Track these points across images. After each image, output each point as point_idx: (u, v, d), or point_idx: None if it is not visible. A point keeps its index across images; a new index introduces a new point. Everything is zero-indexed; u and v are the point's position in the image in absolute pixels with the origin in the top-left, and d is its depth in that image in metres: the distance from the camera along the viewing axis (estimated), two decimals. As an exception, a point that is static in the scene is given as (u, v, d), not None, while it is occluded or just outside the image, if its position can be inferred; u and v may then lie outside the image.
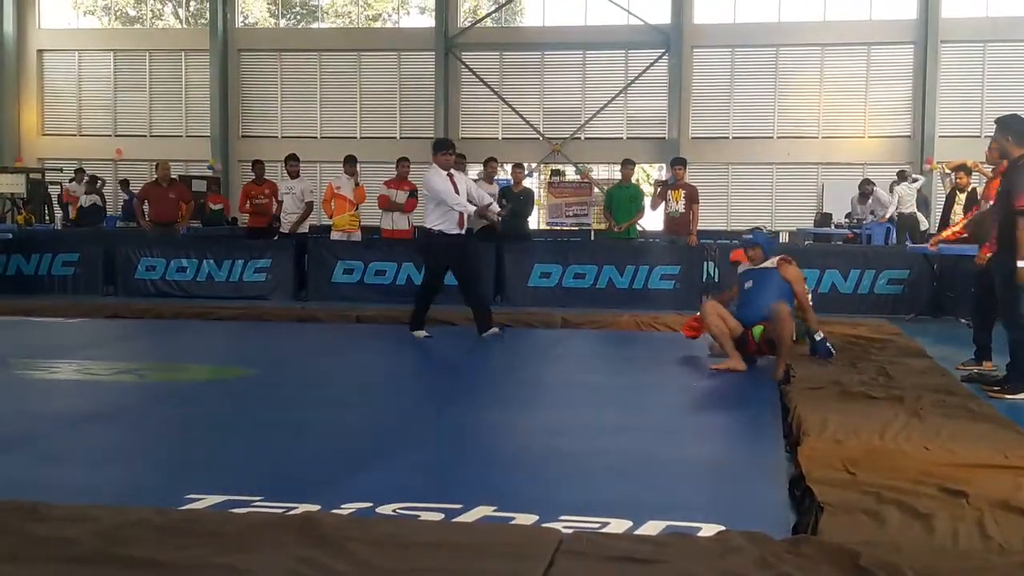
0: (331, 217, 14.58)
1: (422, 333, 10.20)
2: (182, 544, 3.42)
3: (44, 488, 4.42)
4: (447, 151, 10.01)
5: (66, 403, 6.90)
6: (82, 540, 3.43)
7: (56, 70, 32.43)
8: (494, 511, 4.17)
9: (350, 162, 14.45)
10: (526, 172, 29.31)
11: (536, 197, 28.61)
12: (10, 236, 15.51)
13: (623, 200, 14.07)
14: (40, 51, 32.25)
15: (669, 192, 13.73)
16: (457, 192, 9.94)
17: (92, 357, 8.88)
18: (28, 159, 30.72)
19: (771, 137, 29.07)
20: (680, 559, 3.44)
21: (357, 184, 14.37)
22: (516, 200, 14.57)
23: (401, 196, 14.21)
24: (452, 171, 10.10)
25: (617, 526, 4.00)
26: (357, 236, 14.54)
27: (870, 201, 19.48)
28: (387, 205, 14.23)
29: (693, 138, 29.30)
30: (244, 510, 4.09)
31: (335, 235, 14.48)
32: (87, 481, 4.83)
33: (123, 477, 4.98)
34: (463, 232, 10.19)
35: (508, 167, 30.27)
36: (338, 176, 14.49)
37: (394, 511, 4.18)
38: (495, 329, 10.11)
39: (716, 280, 13.19)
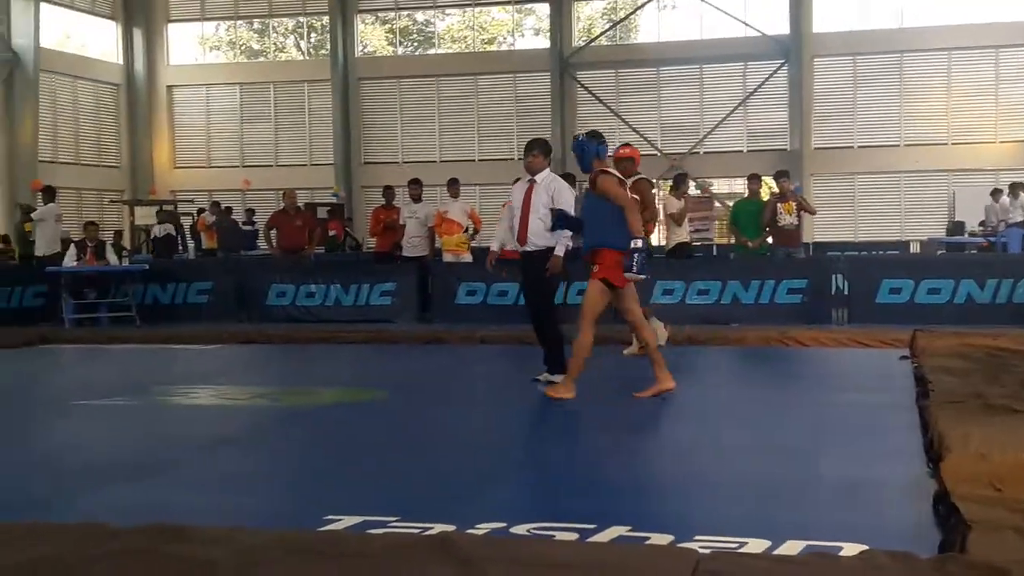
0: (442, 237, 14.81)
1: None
2: (321, 565, 3.47)
3: (187, 511, 4.54)
4: (536, 151, 8.60)
5: (205, 428, 7.10)
6: (224, 561, 3.49)
7: (185, 104, 33.59)
8: (628, 531, 4.13)
9: (454, 184, 14.65)
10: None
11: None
12: (147, 267, 16.04)
13: (751, 215, 13.83)
14: (170, 87, 33.45)
15: (779, 205, 13.49)
16: (527, 205, 8.52)
17: (228, 382, 9.13)
18: (161, 192, 31.84)
19: (897, 145, 28.36)
20: (824, 579, 3.35)
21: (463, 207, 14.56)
22: None
23: (519, 217, 14.24)
24: (535, 179, 8.60)
25: (755, 546, 3.92)
26: (467, 258, 14.67)
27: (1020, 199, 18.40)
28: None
29: (816, 148, 28.80)
30: (382, 531, 4.14)
31: (446, 257, 14.65)
32: (227, 503, 4.94)
33: (262, 499, 5.08)
34: (523, 249, 8.62)
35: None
36: (444, 201, 14.66)
37: (528, 531, 4.18)
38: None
39: (846, 292, 12.89)
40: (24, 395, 9.09)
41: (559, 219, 8.05)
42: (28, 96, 28.57)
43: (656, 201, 10.45)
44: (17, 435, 6.97)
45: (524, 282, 8.69)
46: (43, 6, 28.91)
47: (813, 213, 14.31)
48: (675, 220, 13.93)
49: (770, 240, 13.90)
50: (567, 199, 8.49)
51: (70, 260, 14.74)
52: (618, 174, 7.97)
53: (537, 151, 8.52)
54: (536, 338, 8.68)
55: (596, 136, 8.01)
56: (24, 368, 10.97)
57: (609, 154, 8.45)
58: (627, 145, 10.64)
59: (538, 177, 8.46)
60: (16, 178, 27.38)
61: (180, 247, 23.97)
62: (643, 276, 7.59)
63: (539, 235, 8.32)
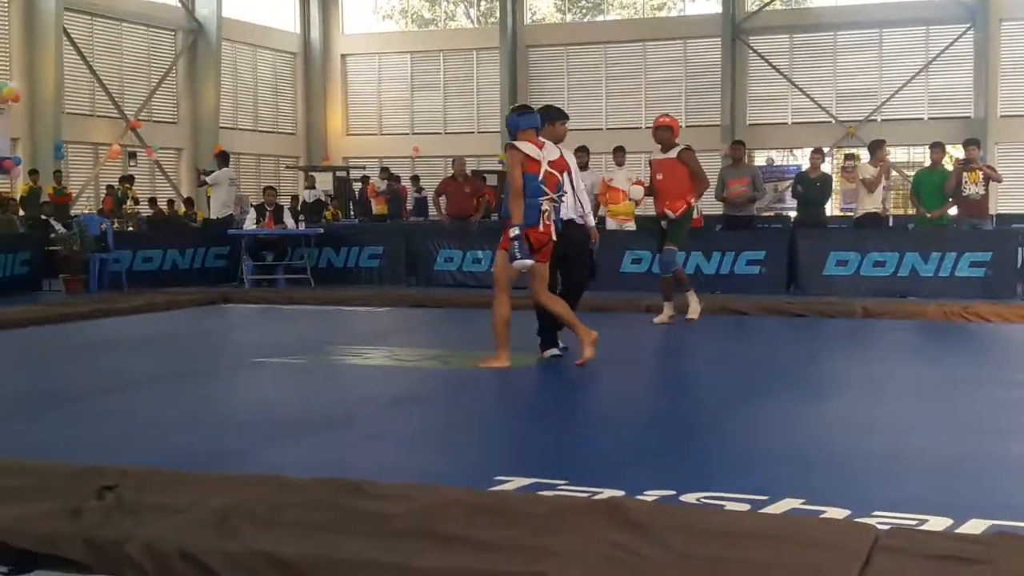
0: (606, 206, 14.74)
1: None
2: (495, 524, 3.52)
3: (364, 466, 4.68)
4: (559, 120, 7.97)
5: (378, 388, 7.29)
6: (401, 517, 3.58)
7: (358, 73, 34.38)
8: (802, 504, 4.05)
9: (619, 152, 14.58)
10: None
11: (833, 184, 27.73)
12: (321, 231, 16.54)
13: (933, 186, 13.29)
14: (344, 56, 34.27)
15: (965, 174, 12.92)
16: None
17: (400, 344, 9.34)
18: (334, 158, 32.73)
19: (1093, 112, 26.82)
20: (1010, 559, 3.21)
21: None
22: (812, 187, 14.12)
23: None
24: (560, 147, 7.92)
25: (936, 524, 3.79)
26: (631, 226, 14.59)
27: None
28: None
29: (1002, 116, 27.45)
30: (551, 493, 4.18)
31: (610, 224, 14.61)
32: (401, 461, 5.07)
33: (434, 458, 5.20)
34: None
35: (800, 152, 29.47)
36: (611, 168, 14.57)
37: (698, 500, 4.14)
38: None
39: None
40: (209, 352, 9.52)
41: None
42: (210, 65, 29.75)
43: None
44: (204, 390, 7.31)
45: (566, 254, 7.96)
46: (226, -23, 30.00)
47: (999, 181, 13.68)
48: (867, 187, 13.49)
49: (954, 211, 13.37)
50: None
51: (250, 223, 15.32)
52: (527, 150, 7.34)
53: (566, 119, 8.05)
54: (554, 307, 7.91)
55: (519, 108, 7.67)
56: (207, 326, 11.48)
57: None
58: (666, 114, 10.47)
59: (561, 146, 7.86)
60: (199, 144, 28.59)
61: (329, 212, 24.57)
62: (528, 262, 7.22)
63: (572, 205, 7.96)
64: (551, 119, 7.82)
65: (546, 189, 7.39)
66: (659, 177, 10.19)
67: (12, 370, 8.25)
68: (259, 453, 5.14)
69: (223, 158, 17.57)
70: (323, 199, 24.45)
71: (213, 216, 17.63)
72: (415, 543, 3.37)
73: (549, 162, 7.41)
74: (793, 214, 18.10)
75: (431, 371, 7.93)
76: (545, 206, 7.40)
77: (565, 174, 7.58)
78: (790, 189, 15.10)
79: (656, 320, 10.34)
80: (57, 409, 6.39)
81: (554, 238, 7.52)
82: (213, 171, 17.58)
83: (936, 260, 12.60)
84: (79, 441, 5.40)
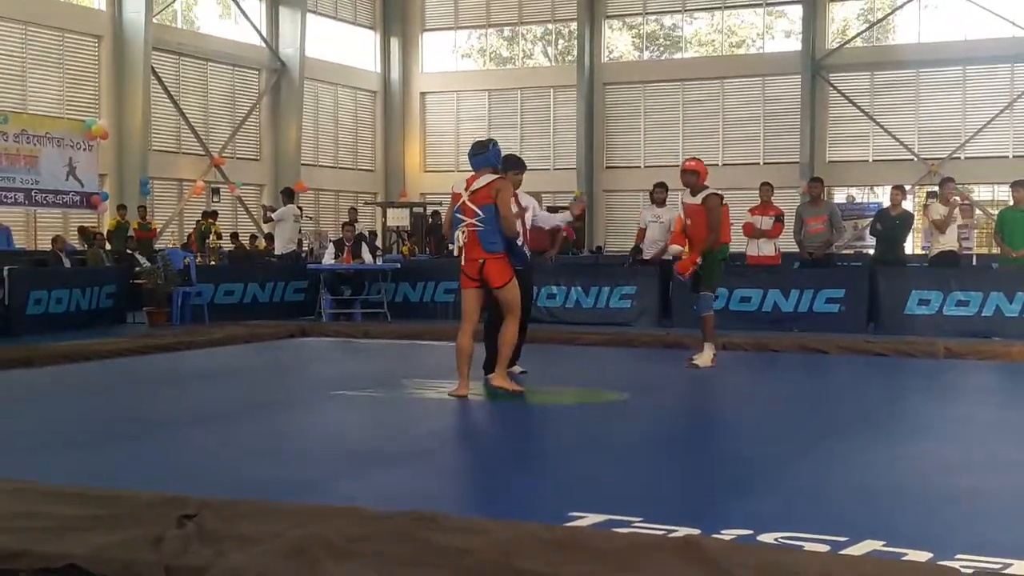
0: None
1: (516, 369, 9.05)
2: (571, 560, 3.51)
3: (439, 500, 4.70)
4: (516, 170, 8.86)
5: (454, 421, 7.33)
6: (477, 551, 3.58)
7: (437, 110, 34.78)
8: (883, 546, 3.98)
9: (660, 189, 14.51)
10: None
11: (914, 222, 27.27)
12: (398, 266, 16.70)
13: (1017, 224, 13.02)
14: (423, 93, 34.71)
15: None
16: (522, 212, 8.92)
17: (475, 378, 9.36)
18: (412, 194, 33.08)
19: None
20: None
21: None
22: (891, 224, 13.94)
23: (767, 222, 14.00)
24: (517, 192, 8.87)
25: (1021, 568, 3.70)
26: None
27: None
28: (752, 232, 14.08)
29: (1090, 153, 26.84)
30: (626, 530, 4.15)
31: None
32: (476, 494, 5.09)
33: (508, 492, 5.19)
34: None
35: (880, 189, 29.11)
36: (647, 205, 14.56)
37: (776, 540, 4.09)
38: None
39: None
40: (287, 384, 9.64)
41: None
42: (293, 102, 30.33)
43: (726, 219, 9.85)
44: (284, 421, 7.41)
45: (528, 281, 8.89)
46: (309, 17, 30.60)
47: None
48: (938, 227, 13.33)
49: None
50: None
51: (328, 258, 15.54)
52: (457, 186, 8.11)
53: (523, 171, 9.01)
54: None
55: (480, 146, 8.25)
56: (287, 358, 11.64)
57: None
58: (693, 159, 10.25)
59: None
60: (281, 180, 29.11)
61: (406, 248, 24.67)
62: None
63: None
64: (507, 168, 8.57)
65: (462, 217, 8.00)
66: (688, 223, 10.06)
67: (97, 400, 8.45)
68: (337, 485, 5.19)
69: (288, 195, 17.87)
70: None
71: (278, 252, 17.94)
72: (491, 578, 3.38)
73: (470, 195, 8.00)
74: (872, 251, 17.84)
75: (507, 406, 7.94)
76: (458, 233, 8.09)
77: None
78: (869, 227, 14.89)
79: (694, 360, 9.92)
80: (139, 439, 6.52)
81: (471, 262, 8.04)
82: (278, 208, 17.88)
83: (1022, 300, 12.32)
84: (161, 471, 5.51)
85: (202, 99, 28.91)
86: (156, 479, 5.01)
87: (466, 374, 8.02)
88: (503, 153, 8.32)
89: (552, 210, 19.80)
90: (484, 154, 8.10)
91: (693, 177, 9.90)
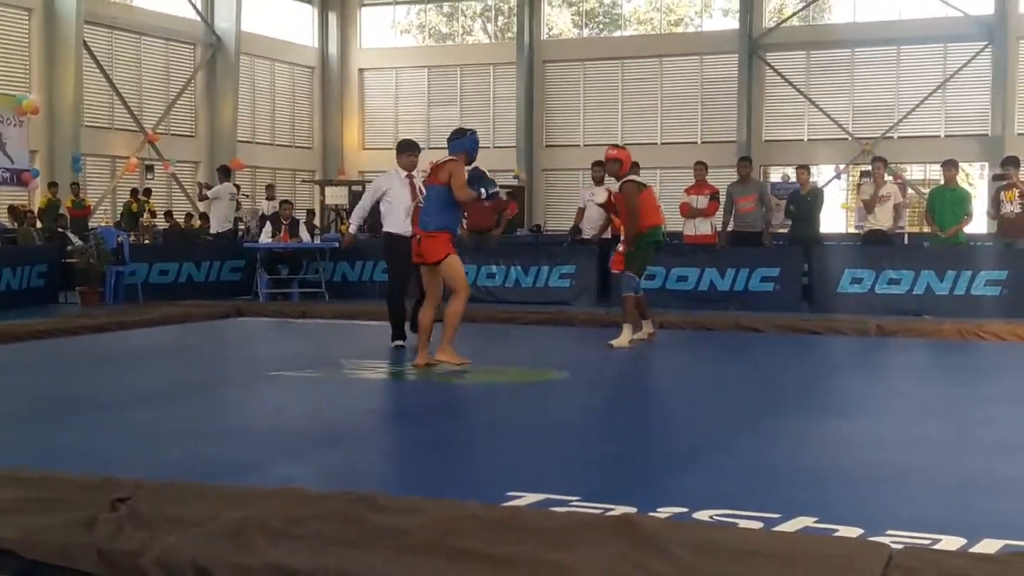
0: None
1: (401, 343, 9.75)
2: (509, 539, 3.53)
3: (377, 480, 4.70)
4: (408, 152, 9.74)
5: (392, 401, 7.33)
6: (416, 531, 3.59)
7: (375, 87, 34.51)
8: (815, 522, 4.05)
9: (635, 167, 14.52)
10: (836, 173, 28.31)
11: (846, 200, 27.61)
12: (336, 245, 16.59)
13: (947, 203, 13.26)
14: (361, 70, 34.42)
15: (1002, 192, 12.89)
16: (414, 194, 9.42)
17: (413, 358, 9.34)
18: (350, 172, 32.83)
19: (1110, 131, 26.73)
20: (1024, 580, 3.20)
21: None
22: (803, 203, 14.12)
23: (702, 201, 14.12)
24: (413, 174, 9.75)
25: (949, 543, 3.78)
26: None
27: None
28: (688, 212, 14.19)
29: (1020, 134, 27.38)
30: (564, 509, 4.18)
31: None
32: (415, 474, 5.09)
33: (446, 472, 5.20)
34: (409, 234, 9.14)
35: (815, 168, 29.48)
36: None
37: (710, 517, 4.14)
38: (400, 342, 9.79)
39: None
40: (223, 365, 9.56)
41: (478, 178, 8.64)
42: (229, 78, 29.91)
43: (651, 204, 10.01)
44: (218, 403, 7.34)
45: (405, 259, 9.09)
46: (245, -9, 30.17)
47: None
48: (866, 206, 13.54)
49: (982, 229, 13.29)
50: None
51: (265, 237, 15.38)
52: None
53: (419, 152, 9.88)
54: (403, 318, 9.84)
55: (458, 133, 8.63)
56: (222, 339, 11.53)
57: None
58: (615, 146, 10.40)
59: (415, 172, 9.84)
60: (217, 157, 28.73)
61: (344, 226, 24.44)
62: None
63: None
64: (400, 150, 9.76)
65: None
66: (618, 209, 10.20)
67: (27, 381, 8.30)
68: (273, 466, 5.16)
69: (224, 172, 17.68)
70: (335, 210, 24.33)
71: (213, 231, 17.72)
72: (430, 558, 3.38)
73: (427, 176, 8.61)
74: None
75: (445, 385, 7.95)
76: None
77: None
78: (784, 210, 14.94)
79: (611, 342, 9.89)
80: (71, 420, 6.43)
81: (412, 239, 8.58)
82: (214, 185, 17.65)
83: (951, 278, 12.57)
84: (93, 452, 5.44)
85: (136, 74, 28.41)
86: (89, 461, 4.94)
87: (424, 343, 8.41)
88: (464, 137, 8.51)
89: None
90: (460, 140, 8.44)
91: (615, 165, 10.00)
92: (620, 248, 10.11)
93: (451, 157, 8.28)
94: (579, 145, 31.26)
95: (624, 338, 9.81)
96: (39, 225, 19.30)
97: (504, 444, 5.94)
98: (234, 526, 3.59)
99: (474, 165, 8.70)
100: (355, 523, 3.68)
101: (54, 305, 14.18)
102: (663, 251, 12.93)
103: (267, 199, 24.11)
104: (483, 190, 8.49)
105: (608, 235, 13.90)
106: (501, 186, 26.57)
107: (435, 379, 8.09)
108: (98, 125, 27.12)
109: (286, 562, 3.31)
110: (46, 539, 3.53)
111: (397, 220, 9.59)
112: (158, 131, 28.38)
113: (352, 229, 10.80)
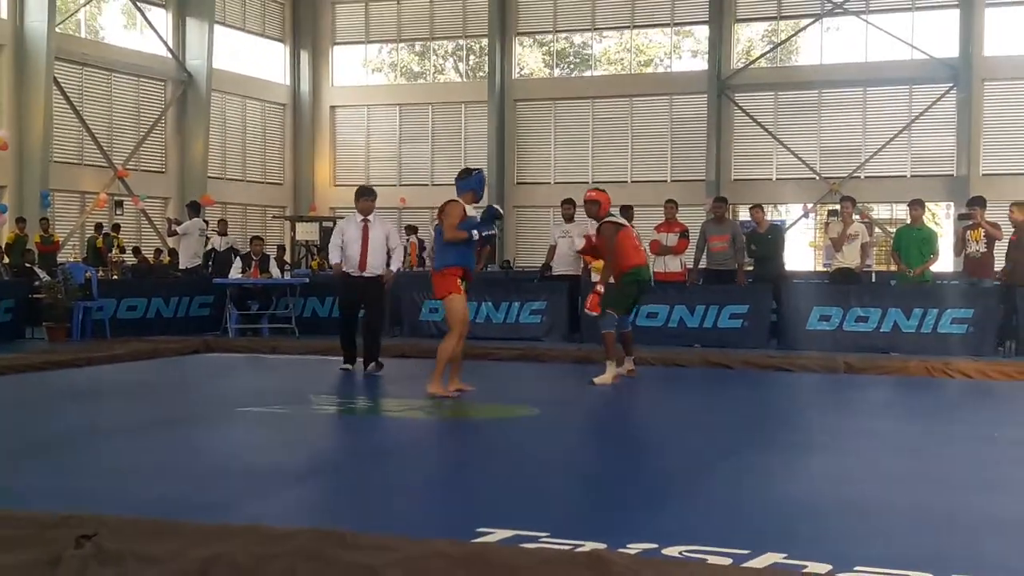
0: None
1: (348, 367, 10.87)
2: (479, 576, 3.52)
3: (346, 517, 4.66)
4: (364, 197, 10.64)
5: (362, 438, 7.29)
6: (384, 569, 3.57)
7: (347, 124, 34.61)
8: (784, 558, 4.06)
9: (568, 205, 14.68)
10: (804, 212, 28.55)
11: (814, 238, 27.83)
12: (307, 280, 16.55)
13: (914, 242, 13.40)
14: (333, 107, 34.51)
15: (968, 232, 13.06)
16: (365, 240, 10.47)
17: (384, 394, 9.33)
18: (321, 209, 32.82)
19: (1078, 170, 27.14)
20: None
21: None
22: (763, 241, 14.22)
23: (672, 239, 14.20)
24: (368, 218, 10.55)
25: (917, 580, 3.81)
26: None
27: None
28: (658, 249, 14.27)
29: (985, 175, 27.75)
30: (534, 545, 4.17)
31: (595, 278, 14.66)
32: (384, 511, 5.05)
33: (416, 509, 5.18)
34: (363, 275, 10.60)
35: (783, 207, 29.72)
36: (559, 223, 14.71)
37: (680, 553, 4.14)
38: (373, 366, 10.78)
39: (1014, 324, 12.38)
40: (191, 401, 9.47)
41: (491, 217, 8.99)
42: (200, 114, 29.91)
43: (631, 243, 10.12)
44: (186, 439, 7.27)
45: (358, 299, 10.74)
46: (217, 28, 30.22)
47: (999, 238, 13.14)
48: (834, 245, 13.67)
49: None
50: (395, 233, 11.19)
51: (235, 272, 15.32)
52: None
53: (374, 197, 10.77)
54: (352, 345, 10.85)
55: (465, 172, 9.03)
56: (190, 375, 11.44)
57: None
58: (595, 189, 10.60)
59: (371, 217, 10.58)
60: (187, 193, 28.66)
61: (315, 262, 24.33)
62: None
63: (377, 263, 10.62)
64: (357, 196, 10.68)
65: None
66: (600, 251, 10.33)
67: (-7, 417, 8.20)
68: (241, 503, 5.12)
69: (194, 208, 17.63)
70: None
71: (182, 266, 17.64)
72: (398, 595, 3.36)
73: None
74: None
75: (415, 421, 7.92)
76: None
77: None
78: (745, 250, 14.83)
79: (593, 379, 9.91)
80: (36, 457, 6.35)
81: None
82: (184, 221, 17.59)
83: (918, 316, 12.68)
84: (58, 490, 5.37)
85: (106, 110, 28.35)
86: (54, 498, 4.89)
87: (453, 372, 8.92)
88: (465, 176, 8.92)
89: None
90: (466, 180, 8.87)
91: (594, 207, 10.13)
92: (599, 289, 10.10)
93: (454, 198, 8.68)
94: (550, 182, 31.43)
95: (608, 375, 9.83)
96: (7, 260, 19.14)
97: (474, 480, 5.92)
98: (201, 564, 3.56)
99: (488, 204, 9.35)
100: (323, 561, 3.66)
101: (21, 341, 14.04)
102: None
103: (219, 234, 23.78)
104: (474, 232, 8.64)
105: (577, 271, 14.01)
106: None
107: (405, 415, 8.06)
108: (68, 161, 27.01)
109: (253, 600, 3.28)
110: (9, 578, 3.49)
111: (351, 261, 10.57)
112: (128, 167, 28.30)
113: (333, 262, 11.14)
